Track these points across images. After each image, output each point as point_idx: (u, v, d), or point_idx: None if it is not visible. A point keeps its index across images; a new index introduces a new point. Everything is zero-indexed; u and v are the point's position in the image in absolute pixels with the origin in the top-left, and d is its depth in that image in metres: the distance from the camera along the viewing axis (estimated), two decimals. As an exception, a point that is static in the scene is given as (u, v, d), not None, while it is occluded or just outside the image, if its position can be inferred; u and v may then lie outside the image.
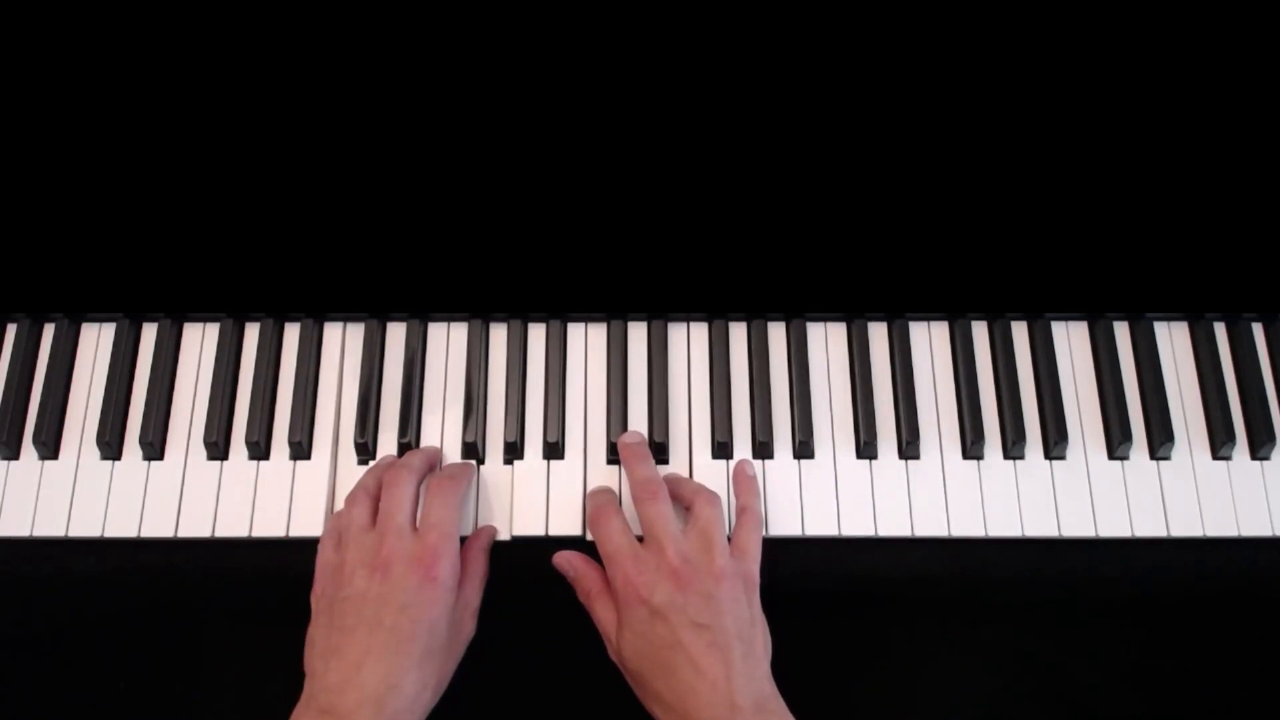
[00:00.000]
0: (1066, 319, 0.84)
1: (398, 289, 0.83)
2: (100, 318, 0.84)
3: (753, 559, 0.73)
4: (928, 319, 0.84)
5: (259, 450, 0.80)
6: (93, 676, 0.76)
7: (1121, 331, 0.83)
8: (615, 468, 0.80)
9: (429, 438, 0.81)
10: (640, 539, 0.73)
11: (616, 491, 0.79)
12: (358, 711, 0.66)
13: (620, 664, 0.72)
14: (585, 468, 0.80)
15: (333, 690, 0.67)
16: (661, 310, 0.83)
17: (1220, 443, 0.80)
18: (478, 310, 0.83)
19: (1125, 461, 0.80)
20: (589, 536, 0.76)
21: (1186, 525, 0.78)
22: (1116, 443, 0.80)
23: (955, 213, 0.84)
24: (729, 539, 0.74)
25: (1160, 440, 0.80)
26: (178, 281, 0.83)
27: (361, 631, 0.68)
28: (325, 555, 0.73)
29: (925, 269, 0.83)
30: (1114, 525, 0.78)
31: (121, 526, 0.78)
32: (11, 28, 0.86)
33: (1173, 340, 0.83)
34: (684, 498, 0.75)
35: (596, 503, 0.76)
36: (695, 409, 0.81)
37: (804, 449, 0.80)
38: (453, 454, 0.80)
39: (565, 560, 0.76)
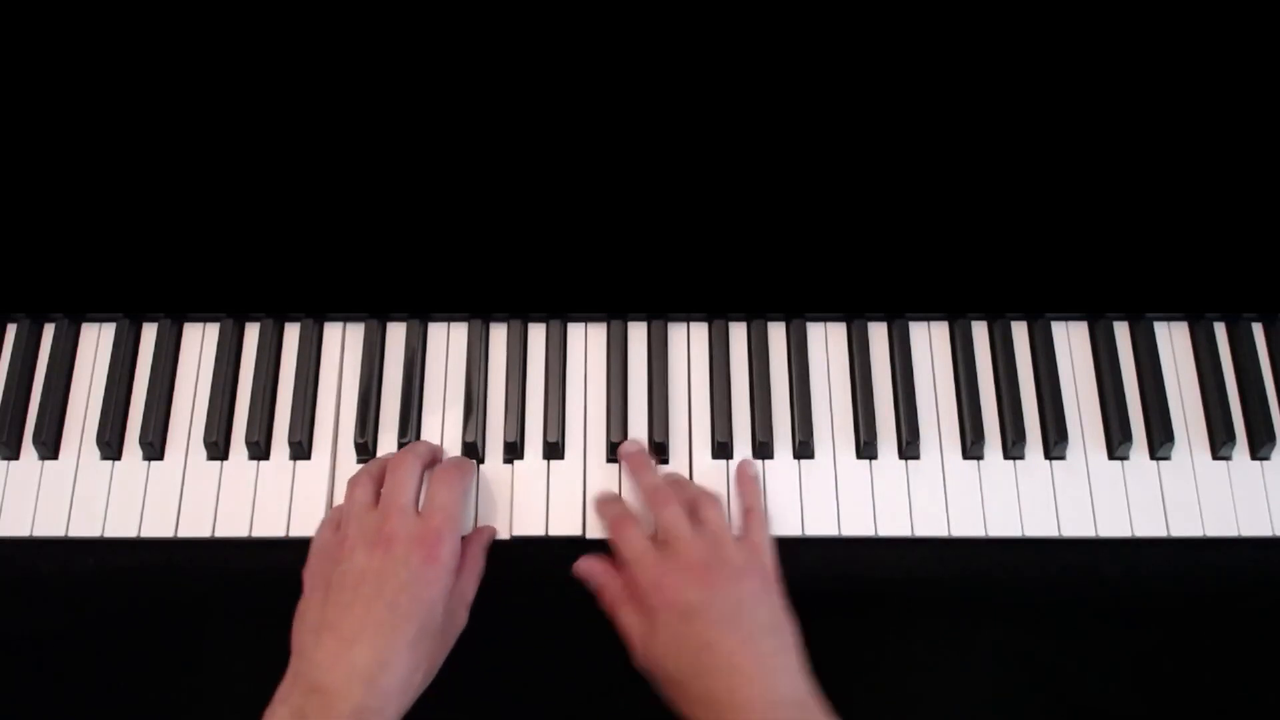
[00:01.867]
0: (1066, 319, 0.84)
1: (398, 289, 0.83)
2: (100, 318, 0.84)
3: (766, 553, 0.74)
4: (928, 319, 0.84)
5: (259, 450, 0.80)
6: (93, 676, 0.76)
7: (1121, 331, 0.83)
8: (615, 467, 0.80)
9: (429, 437, 0.80)
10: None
11: (616, 491, 0.79)
12: (347, 688, 0.65)
13: (652, 670, 0.71)
14: (585, 468, 0.80)
15: (322, 666, 0.66)
16: (661, 310, 0.83)
17: (1220, 443, 0.80)
18: (478, 310, 0.83)
19: (1125, 461, 0.80)
20: (589, 535, 0.76)
21: (1186, 525, 0.78)
22: (1116, 443, 0.80)
23: (955, 213, 0.84)
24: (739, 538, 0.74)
25: (1160, 440, 0.80)
26: (178, 281, 0.83)
27: (359, 607, 0.67)
28: (323, 537, 0.73)
29: (925, 269, 0.83)
30: (1114, 525, 0.78)
31: (121, 526, 0.78)
32: (12, 27, 0.86)
33: (1173, 340, 0.83)
34: (687, 503, 0.75)
35: (614, 512, 0.76)
36: (695, 409, 0.81)
37: (804, 449, 0.80)
38: (452, 453, 0.80)
39: (588, 569, 0.75)
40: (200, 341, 0.83)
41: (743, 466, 0.79)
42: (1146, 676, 0.77)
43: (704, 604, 0.69)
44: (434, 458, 0.78)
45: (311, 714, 0.65)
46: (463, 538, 0.75)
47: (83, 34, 0.87)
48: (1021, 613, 0.72)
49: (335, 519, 0.74)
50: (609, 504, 0.77)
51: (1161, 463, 0.80)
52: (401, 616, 0.68)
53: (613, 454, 0.80)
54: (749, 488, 0.77)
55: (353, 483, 0.74)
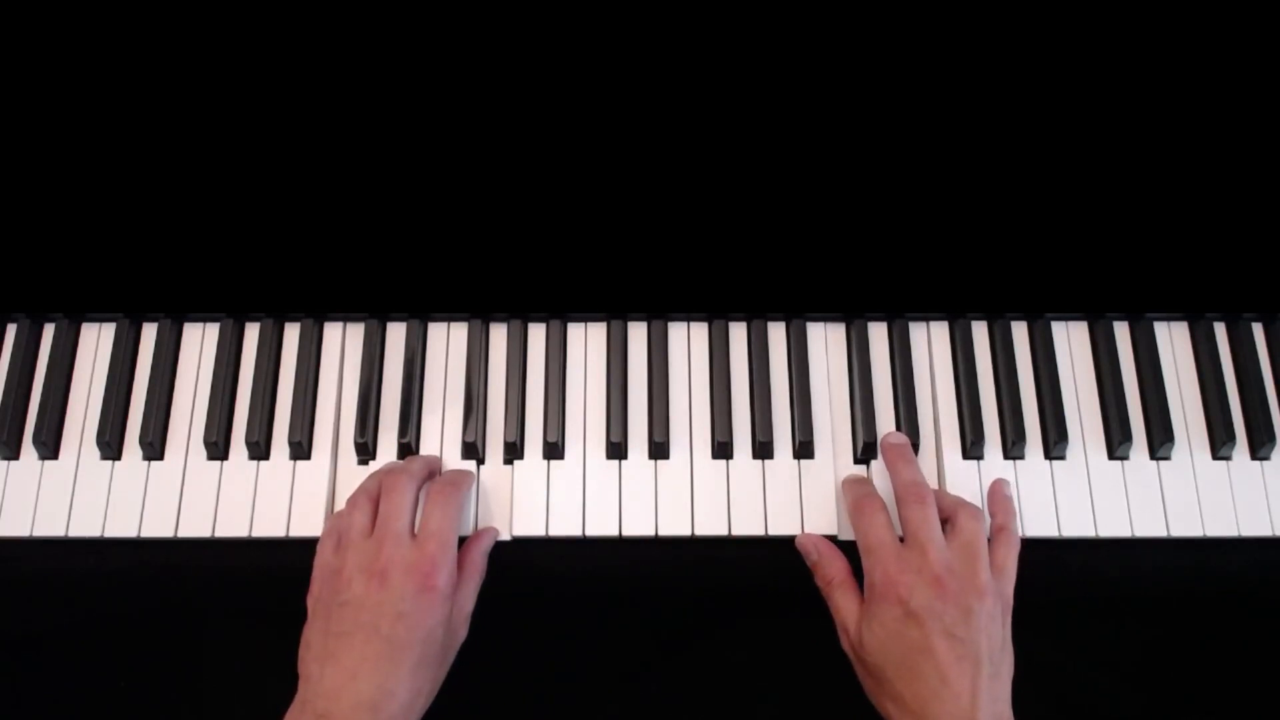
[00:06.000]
0: (1066, 319, 0.84)
1: (398, 289, 0.83)
2: (100, 318, 0.84)
3: (1010, 580, 0.73)
4: (928, 319, 0.84)
5: (259, 450, 0.80)
6: (93, 676, 0.76)
7: (1121, 331, 0.83)
8: (615, 466, 0.79)
9: (429, 438, 0.81)
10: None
11: (618, 486, 0.79)
12: (354, 717, 0.66)
13: (856, 656, 0.72)
14: (585, 468, 0.80)
15: (328, 695, 0.67)
16: (661, 310, 0.83)
17: (1220, 443, 0.80)
18: (478, 310, 0.83)
19: (1125, 461, 0.80)
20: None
21: (1186, 525, 0.78)
22: (1116, 443, 0.80)
23: (955, 213, 0.84)
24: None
25: (1160, 440, 0.80)
26: (178, 281, 0.83)
27: (358, 638, 0.68)
28: (324, 556, 0.73)
29: (925, 269, 0.83)
30: (1114, 525, 0.78)
31: (121, 526, 0.78)
32: (12, 27, 0.86)
33: (1173, 340, 0.83)
34: (943, 509, 0.75)
35: (859, 493, 0.75)
36: (695, 409, 0.81)
37: (804, 449, 0.80)
38: (452, 453, 0.80)
39: (811, 544, 0.76)
40: (200, 341, 0.83)
41: (997, 485, 0.78)
42: (1146, 676, 0.77)
43: (932, 611, 0.68)
44: (430, 471, 0.78)
45: None
46: (464, 541, 0.75)
47: (83, 33, 0.87)
48: (1021, 613, 0.72)
49: (335, 533, 0.73)
50: (856, 484, 0.77)
51: (1161, 463, 0.80)
52: (401, 646, 0.68)
53: (613, 453, 0.80)
54: (1003, 506, 0.77)
55: (350, 503, 0.74)
